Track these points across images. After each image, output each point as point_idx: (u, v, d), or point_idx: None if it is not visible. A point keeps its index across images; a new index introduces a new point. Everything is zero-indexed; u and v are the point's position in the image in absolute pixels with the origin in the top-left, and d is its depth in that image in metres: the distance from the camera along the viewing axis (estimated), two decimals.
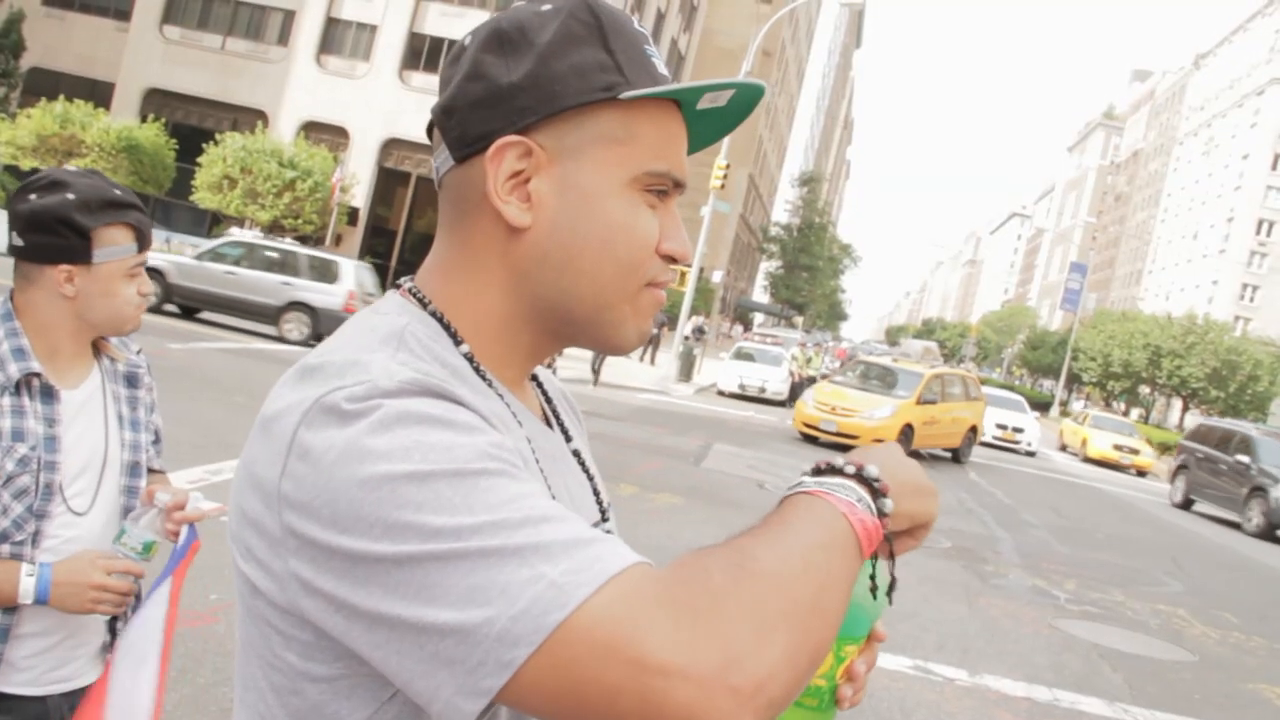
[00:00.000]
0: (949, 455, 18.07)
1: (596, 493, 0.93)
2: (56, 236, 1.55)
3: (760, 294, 78.83)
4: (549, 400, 0.95)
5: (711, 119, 0.84)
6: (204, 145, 30.95)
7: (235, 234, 31.85)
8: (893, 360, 21.64)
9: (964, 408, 18.00)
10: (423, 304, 0.81)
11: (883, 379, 17.80)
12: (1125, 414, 59.21)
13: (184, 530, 1.64)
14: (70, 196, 1.56)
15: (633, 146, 0.78)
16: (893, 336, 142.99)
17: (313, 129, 34.18)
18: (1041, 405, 59.92)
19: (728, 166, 22.23)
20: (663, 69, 0.81)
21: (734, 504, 9.50)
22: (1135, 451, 26.11)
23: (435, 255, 0.84)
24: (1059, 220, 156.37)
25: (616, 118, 0.77)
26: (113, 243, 1.59)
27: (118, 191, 1.61)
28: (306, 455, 0.66)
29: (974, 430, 18.42)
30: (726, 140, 23.14)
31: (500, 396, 0.79)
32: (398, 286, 0.85)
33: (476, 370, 0.79)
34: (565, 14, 0.78)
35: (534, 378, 0.94)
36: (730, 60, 48.28)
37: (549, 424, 0.90)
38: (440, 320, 0.80)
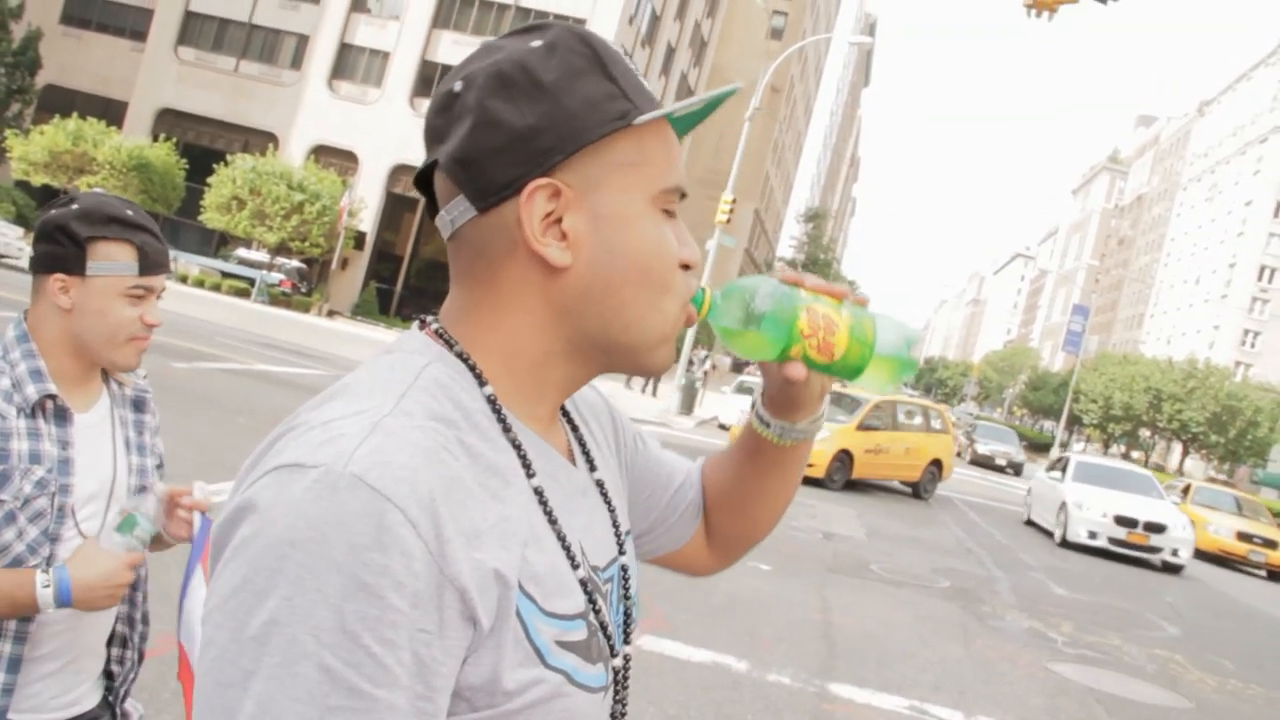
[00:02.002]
0: (908, 490, 17.35)
1: (615, 525, 0.92)
2: (55, 244, 1.56)
3: None
4: (575, 429, 0.94)
5: (687, 119, 0.86)
6: (214, 166, 31.21)
7: (242, 255, 32.21)
8: (841, 386, 21.01)
9: (922, 439, 17.04)
10: (449, 344, 0.80)
11: (834, 402, 17.05)
12: (1125, 456, 58.53)
13: (197, 519, 1.64)
14: (74, 207, 1.58)
15: (647, 167, 0.80)
16: None
17: (323, 153, 34.48)
18: (1041, 446, 59.66)
19: (734, 201, 22.08)
20: (648, 84, 0.84)
21: None
22: (1272, 544, 18.05)
23: (457, 301, 0.82)
24: (1062, 262, 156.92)
25: (630, 143, 0.79)
26: (109, 258, 1.58)
27: (129, 212, 1.60)
28: (247, 510, 0.67)
29: (938, 465, 17.35)
30: (732, 175, 23.24)
31: (515, 445, 0.78)
32: (423, 323, 0.84)
33: (497, 413, 0.78)
34: (562, 49, 0.78)
35: (561, 408, 0.92)
36: (739, 96, 48.38)
37: (573, 458, 0.89)
38: (466, 361, 0.79)
